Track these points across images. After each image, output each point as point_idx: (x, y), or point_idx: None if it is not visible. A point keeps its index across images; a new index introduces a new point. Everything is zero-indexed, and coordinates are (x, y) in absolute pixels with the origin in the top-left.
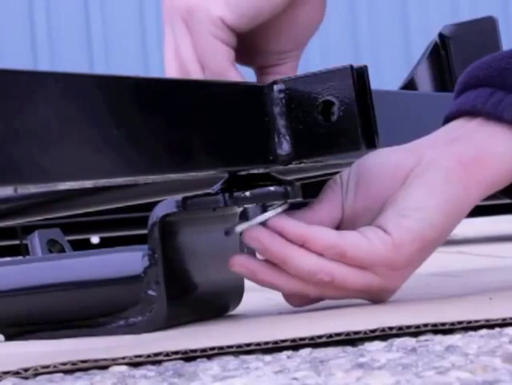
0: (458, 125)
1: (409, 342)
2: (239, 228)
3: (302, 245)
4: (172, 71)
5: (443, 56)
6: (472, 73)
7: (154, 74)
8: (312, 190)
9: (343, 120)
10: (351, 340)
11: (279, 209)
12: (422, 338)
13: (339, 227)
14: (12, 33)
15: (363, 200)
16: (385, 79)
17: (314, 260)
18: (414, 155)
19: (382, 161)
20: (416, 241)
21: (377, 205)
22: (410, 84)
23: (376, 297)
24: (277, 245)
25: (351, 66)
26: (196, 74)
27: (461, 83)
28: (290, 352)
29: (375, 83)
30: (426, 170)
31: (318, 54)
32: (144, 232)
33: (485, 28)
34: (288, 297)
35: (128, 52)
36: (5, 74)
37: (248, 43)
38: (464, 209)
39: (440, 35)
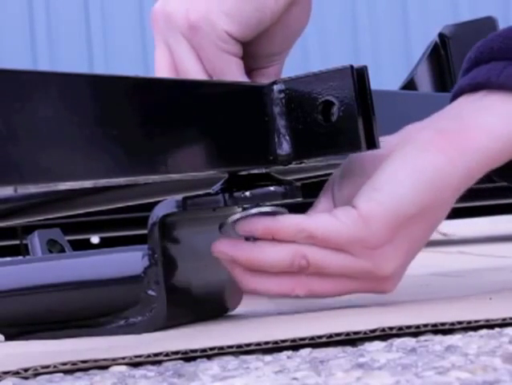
0: (462, 100)
1: (409, 342)
2: (231, 218)
3: (272, 239)
4: None
5: (443, 56)
6: (483, 47)
7: (153, 73)
8: (312, 190)
9: (343, 120)
10: (351, 340)
11: (280, 209)
12: (422, 338)
13: None
14: (11, 32)
15: (348, 188)
16: (385, 79)
17: (286, 248)
18: (399, 136)
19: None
20: (388, 215)
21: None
22: (410, 84)
23: (373, 287)
24: (244, 250)
25: (352, 67)
26: None
27: (470, 59)
28: (290, 352)
29: (375, 83)
30: (404, 145)
31: (319, 55)
32: (144, 232)
33: (485, 28)
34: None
35: (127, 52)
36: (4, 74)
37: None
38: (450, 181)
39: (441, 35)
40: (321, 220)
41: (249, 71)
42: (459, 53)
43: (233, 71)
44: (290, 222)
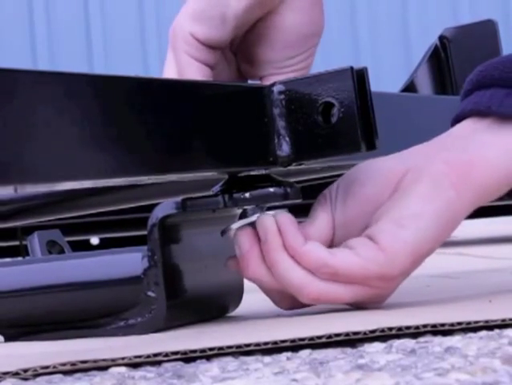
0: (466, 126)
1: (409, 343)
2: (235, 225)
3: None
4: None
5: (443, 59)
6: (485, 72)
7: (153, 73)
8: (312, 192)
9: (343, 122)
10: (351, 341)
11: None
12: (421, 339)
13: (332, 239)
14: (11, 32)
15: (352, 207)
16: (385, 81)
17: (300, 274)
18: (406, 161)
19: (371, 168)
20: (411, 253)
21: (368, 210)
22: (410, 87)
23: (368, 305)
24: (271, 244)
25: (351, 68)
26: None
27: (471, 82)
28: (289, 353)
29: (375, 85)
30: (417, 176)
31: (319, 59)
32: (144, 233)
33: (486, 31)
34: (279, 301)
35: (127, 52)
36: (4, 74)
37: (246, 56)
38: (458, 216)
39: (441, 38)
40: (345, 258)
41: (261, 80)
42: (459, 56)
43: (192, 76)
44: (316, 256)
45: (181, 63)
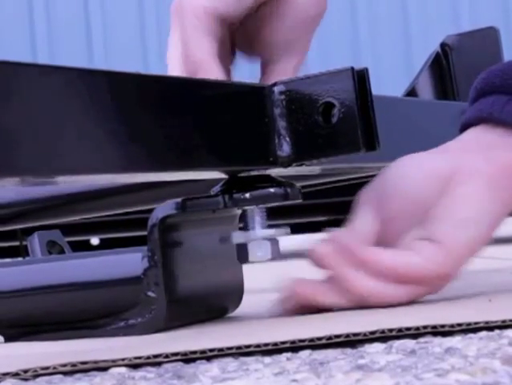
0: (483, 131)
1: (409, 343)
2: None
3: (357, 266)
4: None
5: (445, 66)
6: (487, 79)
7: (153, 70)
8: (313, 194)
9: (343, 122)
10: (351, 342)
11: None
12: (422, 339)
13: (376, 237)
14: (11, 28)
15: (397, 204)
16: (386, 88)
17: (369, 284)
18: (448, 160)
19: (414, 165)
20: (469, 252)
21: (413, 209)
22: (411, 94)
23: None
24: (339, 262)
25: (352, 68)
26: (174, 70)
27: (475, 90)
28: (289, 354)
29: (376, 91)
30: (469, 177)
31: (319, 59)
32: (144, 233)
33: (487, 38)
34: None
35: (127, 48)
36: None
37: (248, 34)
38: (505, 216)
39: (442, 45)
40: (407, 259)
41: (264, 67)
42: (461, 63)
43: (200, 50)
44: (379, 259)
45: (190, 40)
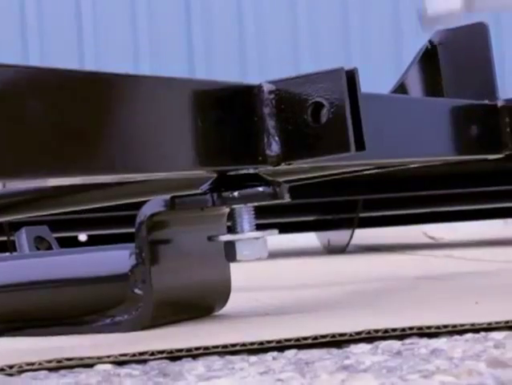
0: None
1: (395, 344)
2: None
3: None
4: None
5: (434, 61)
6: None
7: (144, 70)
8: (301, 191)
9: (332, 122)
10: (337, 342)
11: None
12: (407, 341)
13: None
14: (2, 29)
15: None
16: (375, 83)
17: None
18: None
19: None
20: None
21: None
22: (400, 89)
23: None
24: None
25: (342, 69)
26: None
27: None
28: (275, 353)
29: (365, 87)
30: None
31: (309, 60)
32: (132, 230)
33: (476, 34)
34: None
35: (118, 47)
36: None
37: None
38: None
39: (432, 41)
40: None
41: None
42: (450, 58)
43: None
44: None
45: None
